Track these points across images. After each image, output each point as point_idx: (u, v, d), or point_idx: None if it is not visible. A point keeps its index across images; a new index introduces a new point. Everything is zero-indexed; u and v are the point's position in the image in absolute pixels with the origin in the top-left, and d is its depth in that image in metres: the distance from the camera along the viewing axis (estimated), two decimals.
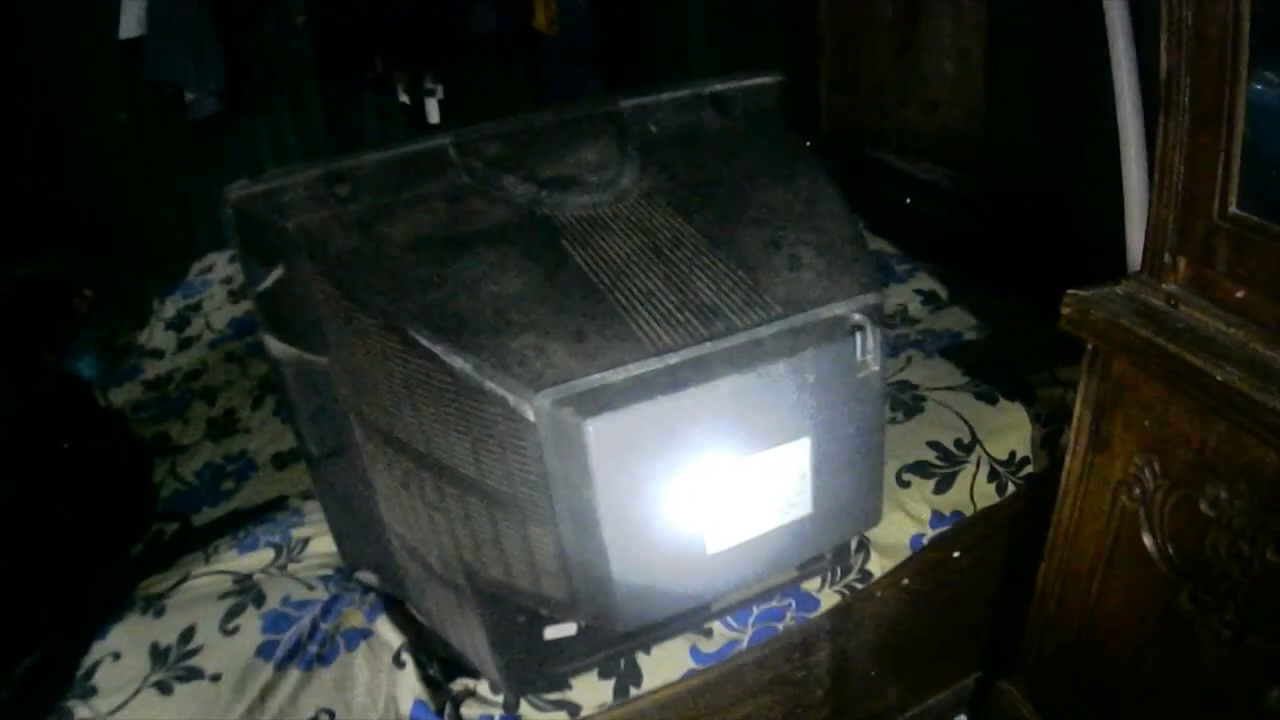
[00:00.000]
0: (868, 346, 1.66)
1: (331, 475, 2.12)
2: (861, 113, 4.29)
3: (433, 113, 4.48)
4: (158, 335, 3.87)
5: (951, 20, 3.67)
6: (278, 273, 1.87)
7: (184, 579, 2.36)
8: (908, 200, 3.93)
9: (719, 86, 2.17)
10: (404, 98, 4.47)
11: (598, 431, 1.49)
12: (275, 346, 1.98)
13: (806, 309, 1.66)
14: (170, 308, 3.99)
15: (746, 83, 2.20)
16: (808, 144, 2.13)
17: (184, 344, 3.80)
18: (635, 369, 1.54)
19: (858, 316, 1.66)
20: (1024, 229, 3.36)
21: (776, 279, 1.71)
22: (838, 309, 1.68)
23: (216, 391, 3.42)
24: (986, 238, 3.53)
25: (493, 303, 1.62)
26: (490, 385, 1.52)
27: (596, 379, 1.53)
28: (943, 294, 3.41)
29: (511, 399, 1.52)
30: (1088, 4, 2.24)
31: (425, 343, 1.57)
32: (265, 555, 2.42)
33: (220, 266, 4.17)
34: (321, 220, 1.79)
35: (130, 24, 4.01)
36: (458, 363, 1.54)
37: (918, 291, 3.44)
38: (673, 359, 1.56)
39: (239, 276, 3.70)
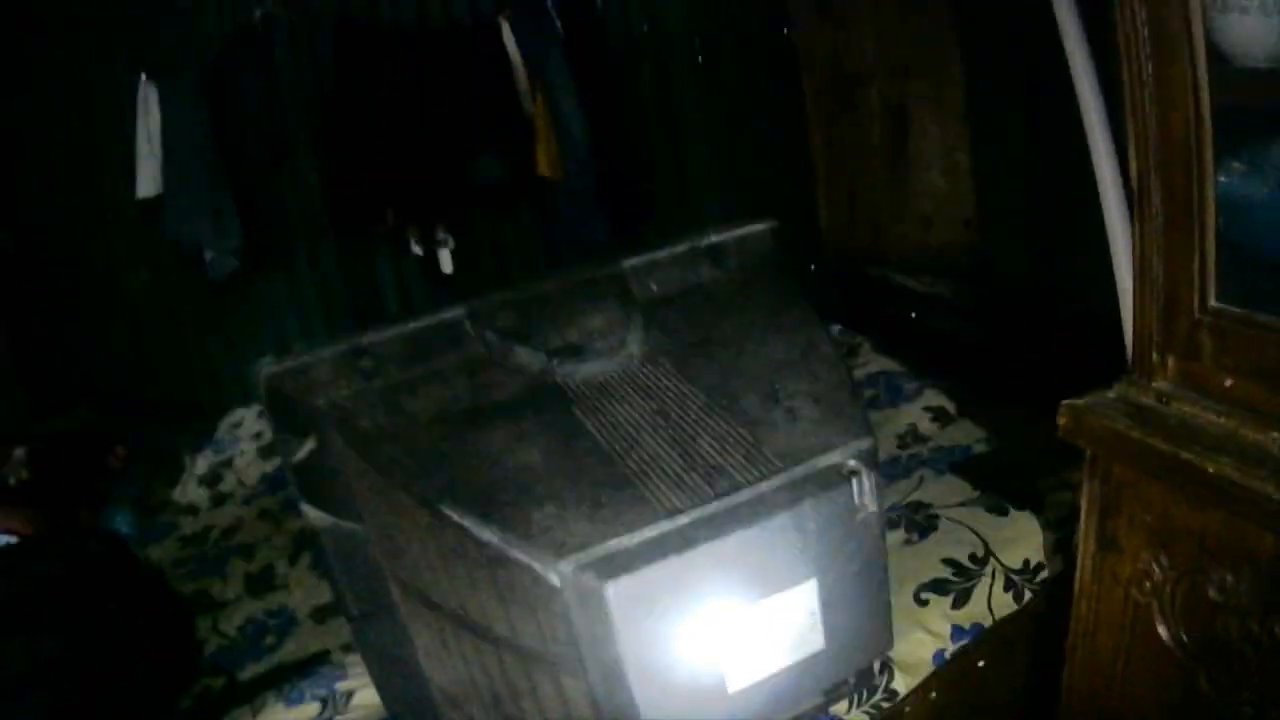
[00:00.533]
0: (864, 490, 1.80)
1: (372, 631, 2.24)
2: (860, 233, 4.44)
3: (445, 263, 4.64)
4: (191, 491, 4.01)
5: (938, 136, 3.83)
6: (310, 445, 2.02)
7: None
8: (913, 315, 4.05)
9: (715, 239, 2.32)
10: (417, 249, 4.62)
11: (617, 593, 1.64)
12: (313, 514, 2.12)
13: (804, 460, 1.82)
14: (202, 464, 4.13)
15: (741, 232, 2.35)
16: (812, 267, 2.26)
17: (218, 500, 3.94)
18: (648, 532, 1.70)
19: (852, 463, 1.81)
20: (1024, 334, 3.47)
21: (775, 433, 1.86)
22: (833, 457, 1.83)
23: (253, 548, 3.56)
24: (990, 347, 3.64)
25: (514, 475, 1.78)
26: (517, 555, 1.68)
27: (614, 544, 1.68)
28: (951, 409, 3.51)
29: (537, 567, 1.67)
30: (1068, 105, 2.28)
31: (455, 517, 1.72)
32: (311, 709, 2.54)
33: (248, 422, 4.31)
34: (348, 397, 1.95)
35: (147, 183, 4.19)
36: (486, 534, 1.69)
37: (926, 409, 3.54)
38: (682, 520, 1.72)
39: (267, 432, 3.83)
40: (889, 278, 4.25)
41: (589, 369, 2.01)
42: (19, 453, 3.75)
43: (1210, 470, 1.79)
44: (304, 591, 3.22)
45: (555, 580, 1.66)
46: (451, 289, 4.74)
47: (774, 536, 1.74)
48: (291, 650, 2.93)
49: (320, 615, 3.07)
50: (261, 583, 3.35)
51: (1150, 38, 1.81)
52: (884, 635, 2.09)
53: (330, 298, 4.65)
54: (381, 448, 1.86)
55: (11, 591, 2.63)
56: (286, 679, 2.69)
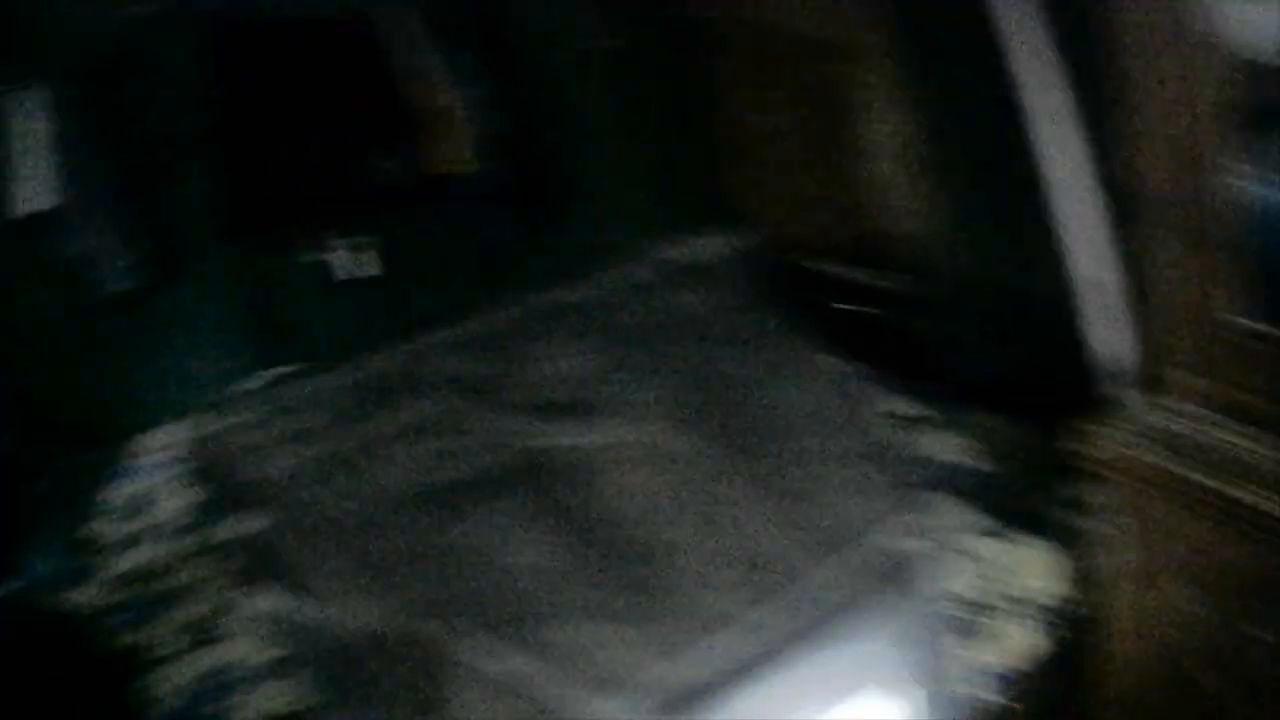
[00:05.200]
0: (939, 572, 1.47)
1: None
2: (787, 223, 4.16)
3: (347, 268, 4.23)
4: (110, 527, 3.59)
5: (881, 120, 3.53)
6: (252, 523, 1.71)
7: None
8: (853, 307, 3.77)
9: (679, 254, 1.98)
10: (317, 256, 4.22)
11: None
12: (261, 600, 1.77)
13: (873, 542, 1.47)
14: (118, 495, 3.70)
15: (714, 246, 2.03)
16: None
17: (140, 536, 3.52)
18: (717, 654, 1.32)
19: (931, 542, 1.47)
20: (982, 331, 3.20)
21: (827, 507, 1.53)
22: (906, 536, 1.49)
23: (188, 591, 3.13)
24: (944, 344, 3.38)
25: (517, 580, 1.40)
26: (552, 690, 1.28)
27: (679, 674, 1.29)
28: (920, 416, 3.21)
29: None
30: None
31: (456, 637, 1.33)
32: None
33: (160, 446, 3.88)
34: (285, 471, 1.65)
35: (28, 198, 3.79)
36: (503, 661, 1.31)
37: (891, 415, 3.22)
38: (753, 636, 1.35)
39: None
40: (822, 270, 3.95)
41: (573, 430, 1.64)
42: None
43: (1276, 514, 1.63)
44: (252, 641, 2.80)
45: None
46: (354, 297, 4.34)
47: (858, 639, 1.39)
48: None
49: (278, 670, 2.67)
50: (203, 633, 2.92)
51: (1167, 27, 1.62)
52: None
53: (226, 311, 4.23)
54: (338, 542, 1.49)
55: None
56: None
